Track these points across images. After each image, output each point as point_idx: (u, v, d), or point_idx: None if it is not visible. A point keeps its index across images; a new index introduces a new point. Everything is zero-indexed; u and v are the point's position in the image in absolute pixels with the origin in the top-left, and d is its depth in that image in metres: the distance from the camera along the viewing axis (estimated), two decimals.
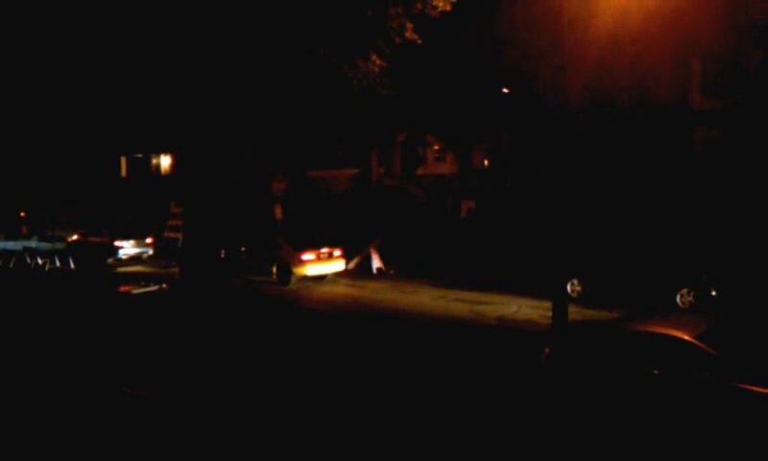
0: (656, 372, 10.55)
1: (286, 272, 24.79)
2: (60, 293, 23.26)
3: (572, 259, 18.19)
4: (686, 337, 10.54)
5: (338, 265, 25.83)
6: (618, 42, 27.14)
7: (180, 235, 26.51)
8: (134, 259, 31.15)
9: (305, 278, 24.81)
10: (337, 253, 25.77)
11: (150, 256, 31.66)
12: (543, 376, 12.14)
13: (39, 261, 28.87)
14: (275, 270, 25.10)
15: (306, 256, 24.67)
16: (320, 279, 25.44)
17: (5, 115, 34.59)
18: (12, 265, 28.95)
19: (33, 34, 19.58)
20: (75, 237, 32.03)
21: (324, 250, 25.29)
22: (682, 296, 19.09)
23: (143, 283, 23.76)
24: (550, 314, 15.66)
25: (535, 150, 31.93)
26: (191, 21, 17.99)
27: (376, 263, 27.28)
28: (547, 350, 12.25)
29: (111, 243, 30.90)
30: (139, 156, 50.09)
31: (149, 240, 32.20)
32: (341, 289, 24.09)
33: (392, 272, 26.94)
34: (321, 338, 17.40)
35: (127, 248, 31.08)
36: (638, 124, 28.41)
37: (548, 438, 10.58)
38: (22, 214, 38.73)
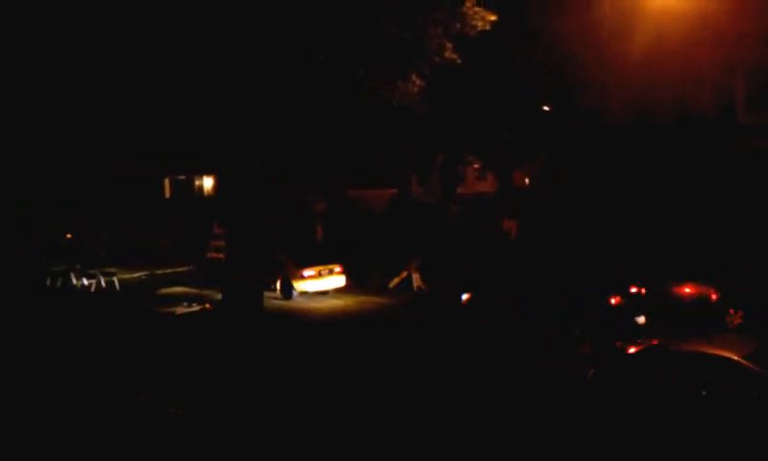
0: (704, 392, 10.32)
1: (288, 287, 25.27)
2: (106, 313, 23.67)
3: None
4: (735, 357, 10.34)
5: (338, 281, 26.03)
6: (660, 56, 26.78)
7: (222, 255, 26.94)
8: None
9: (306, 293, 25.23)
10: (337, 269, 25.97)
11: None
12: (590, 398, 11.92)
13: (85, 282, 29.33)
14: (278, 285, 25.54)
15: (307, 272, 25.09)
16: (323, 294, 25.71)
17: (58, 147, 36.25)
18: (58, 285, 29.45)
19: (79, 62, 19.98)
20: None
21: (325, 266, 25.62)
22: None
23: (185, 304, 24.15)
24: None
25: (575, 166, 31.59)
26: (230, 43, 18.21)
27: (417, 283, 27.16)
28: (593, 370, 12.07)
29: None
30: (182, 177, 50.75)
31: None
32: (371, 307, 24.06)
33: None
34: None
35: None
36: (682, 138, 27.93)
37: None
38: (68, 236, 39.47)
